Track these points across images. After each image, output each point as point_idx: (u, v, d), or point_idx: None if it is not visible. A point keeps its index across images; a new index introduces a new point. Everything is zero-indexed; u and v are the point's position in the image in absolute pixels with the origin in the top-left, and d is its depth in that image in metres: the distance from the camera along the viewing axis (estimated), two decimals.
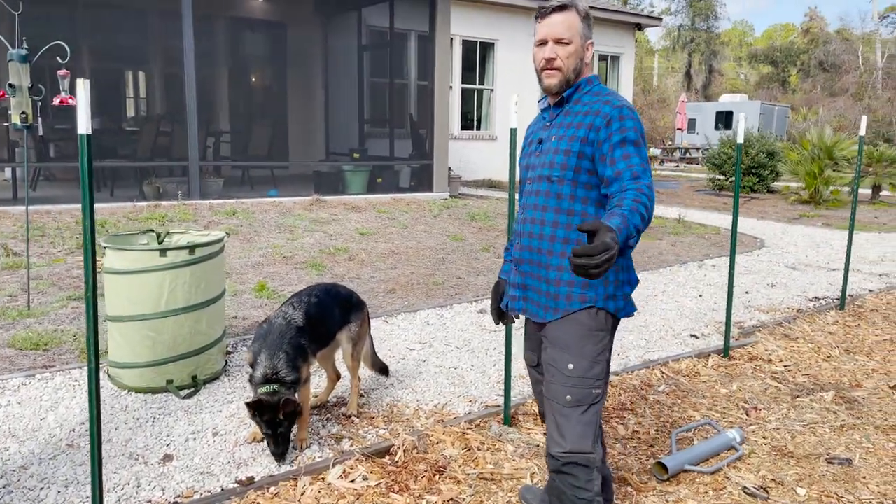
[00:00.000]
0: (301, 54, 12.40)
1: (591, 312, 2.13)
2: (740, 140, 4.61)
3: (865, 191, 14.69)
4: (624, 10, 17.49)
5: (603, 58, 16.45)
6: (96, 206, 7.79)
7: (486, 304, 5.71)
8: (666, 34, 51.49)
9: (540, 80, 2.19)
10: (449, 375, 4.13)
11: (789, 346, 5.00)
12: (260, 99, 12.83)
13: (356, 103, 12.07)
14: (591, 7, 16.27)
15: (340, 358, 3.66)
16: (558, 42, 2.11)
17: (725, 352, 4.74)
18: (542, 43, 2.15)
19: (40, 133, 4.53)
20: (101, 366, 3.85)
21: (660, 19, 17.21)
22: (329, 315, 3.39)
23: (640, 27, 16.48)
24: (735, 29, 61.67)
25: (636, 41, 17.28)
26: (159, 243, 4.11)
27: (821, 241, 9.50)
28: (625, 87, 17.03)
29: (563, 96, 2.17)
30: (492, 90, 14.95)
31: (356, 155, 10.30)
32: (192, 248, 3.69)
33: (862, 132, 5.85)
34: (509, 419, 3.52)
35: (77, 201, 7.95)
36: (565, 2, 2.13)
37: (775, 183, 15.36)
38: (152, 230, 4.12)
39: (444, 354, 4.48)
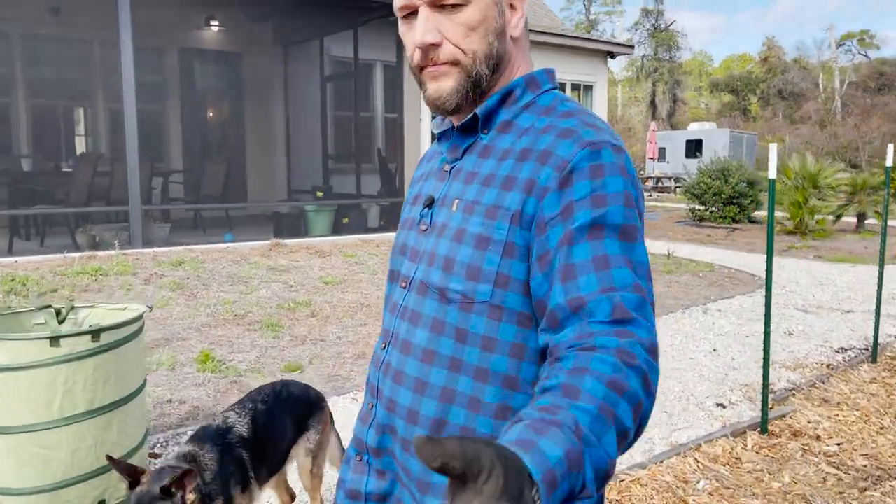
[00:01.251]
0: (259, 86, 11.58)
1: None
2: (773, 175, 3.89)
3: (850, 219, 14.27)
4: (596, 38, 17.08)
5: (576, 87, 15.95)
6: (21, 259, 6.80)
7: None
8: (629, 64, 52.00)
9: (422, 88, 1.06)
10: None
11: (832, 414, 4.25)
12: (214, 134, 11.94)
13: (319, 137, 11.27)
14: (562, 35, 15.85)
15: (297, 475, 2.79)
16: (437, 6, 0.99)
17: (763, 427, 3.96)
18: (407, 13, 1.02)
19: None
20: None
21: (632, 47, 16.84)
22: (280, 430, 2.53)
23: (612, 55, 16.03)
24: (695, 59, 62.73)
25: (608, 69, 16.85)
26: (59, 322, 3.20)
27: (821, 276, 8.88)
28: (600, 115, 16.50)
29: (475, 115, 1.04)
30: None
31: (320, 193, 9.46)
32: (95, 332, 2.79)
33: (889, 162, 5.20)
34: None
35: (0, 255, 6.97)
36: None
37: (756, 212, 14.88)
38: (50, 306, 3.21)
39: None
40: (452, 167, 1.07)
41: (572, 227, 0.89)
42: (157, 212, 8.71)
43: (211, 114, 12.00)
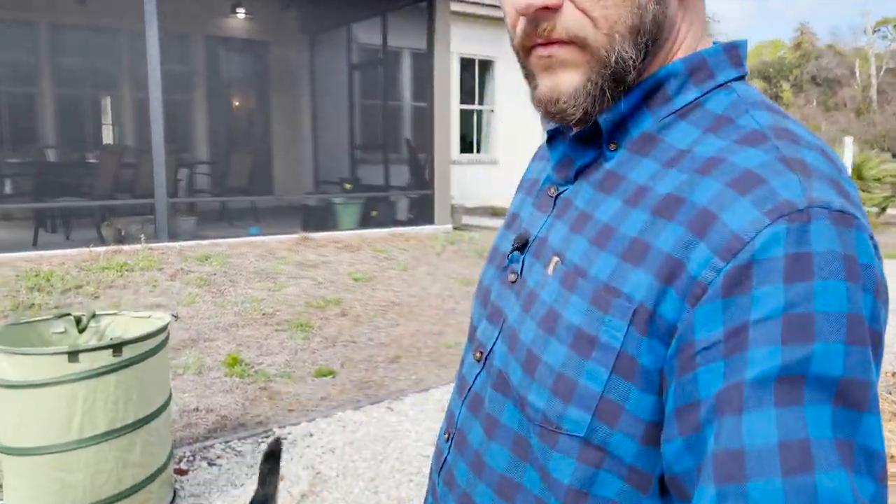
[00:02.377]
0: (285, 75, 11.37)
1: None
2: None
3: (893, 211, 13.74)
4: None
5: None
6: (45, 253, 6.67)
7: None
8: None
9: (530, 84, 0.68)
10: None
11: None
12: (240, 125, 11.76)
13: (347, 128, 11.03)
14: None
15: None
16: None
17: None
18: None
19: None
20: None
21: None
22: None
23: None
24: None
25: None
26: (79, 331, 3.00)
27: None
28: None
29: (596, 125, 0.66)
30: (492, 111, 13.95)
31: (348, 185, 9.22)
32: (116, 346, 2.58)
33: None
34: None
35: (24, 248, 6.84)
36: None
37: None
38: (70, 314, 3.00)
39: None
40: (560, 193, 0.71)
41: (744, 379, 0.50)
42: (182, 204, 8.55)
43: (237, 103, 11.83)
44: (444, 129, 9.22)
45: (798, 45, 52.45)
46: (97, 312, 3.04)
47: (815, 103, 46.45)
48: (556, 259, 0.66)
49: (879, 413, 0.51)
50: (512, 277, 0.73)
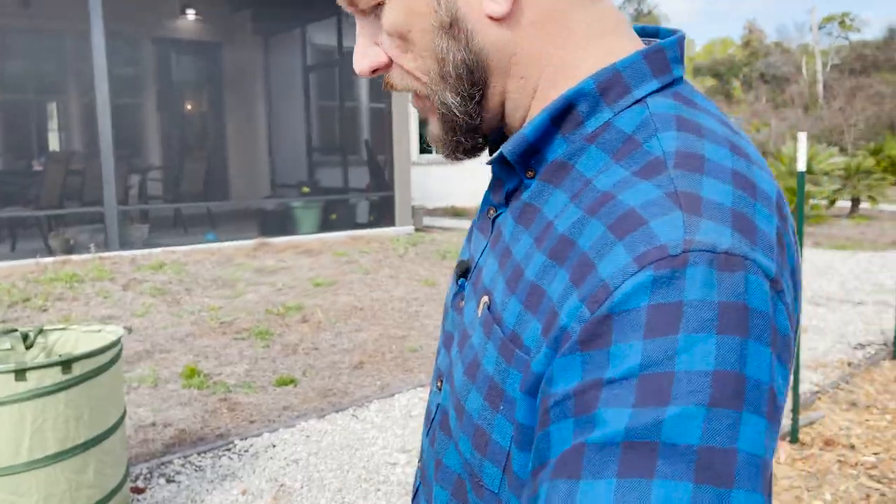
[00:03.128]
0: (239, 77, 11.16)
1: None
2: (802, 167, 3.61)
3: (843, 204, 14.13)
4: None
5: None
6: None
7: None
8: None
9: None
10: None
11: (863, 419, 4.01)
12: (193, 129, 11.50)
13: (304, 130, 10.87)
14: None
15: None
16: (357, 10, 0.61)
17: (794, 436, 3.71)
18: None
19: None
20: None
21: None
22: None
23: None
24: None
25: None
26: (26, 347, 2.86)
27: (823, 265, 8.67)
28: None
29: (501, 155, 0.60)
30: None
31: (306, 189, 9.09)
32: (66, 363, 2.45)
33: None
34: None
35: None
36: None
37: None
38: (16, 329, 2.86)
39: None
40: (496, 216, 0.65)
41: (585, 441, 0.44)
42: (134, 212, 8.31)
43: (189, 107, 11.57)
44: (403, 130, 9.16)
45: (747, 44, 53.77)
46: (45, 328, 2.90)
47: (764, 100, 47.62)
48: (485, 299, 0.60)
49: (759, 491, 0.43)
50: (461, 304, 0.67)
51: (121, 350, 2.75)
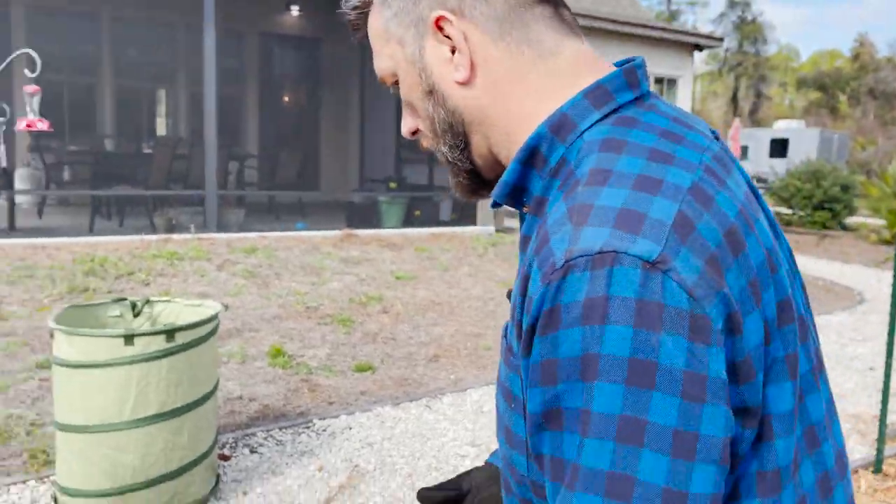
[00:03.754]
0: (336, 73, 11.51)
1: None
2: None
3: None
4: (684, 30, 16.37)
5: (659, 81, 15.35)
6: (100, 239, 6.89)
7: None
8: (710, 57, 50.17)
9: None
10: None
11: None
12: (290, 121, 11.95)
13: (394, 127, 11.11)
14: (646, 26, 15.22)
15: None
16: (387, 85, 0.80)
17: (877, 466, 3.57)
18: None
19: (2, 164, 3.57)
20: (47, 485, 2.85)
21: (721, 40, 16.06)
22: None
23: (699, 48, 15.33)
24: (780, 54, 60.11)
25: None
26: (134, 316, 3.10)
27: None
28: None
29: (498, 196, 0.72)
30: None
31: (394, 184, 9.31)
32: (170, 332, 2.66)
33: None
34: None
35: (81, 233, 7.08)
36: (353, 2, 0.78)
37: (850, 219, 14.02)
38: (126, 299, 3.11)
39: None
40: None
41: (530, 418, 0.61)
42: (231, 197, 8.74)
43: (287, 99, 12.02)
44: None
45: (857, 57, 50.98)
46: (151, 299, 3.15)
47: (872, 117, 45.10)
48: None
49: (650, 445, 0.54)
50: None
51: (218, 324, 2.95)
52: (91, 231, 7.26)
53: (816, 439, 0.66)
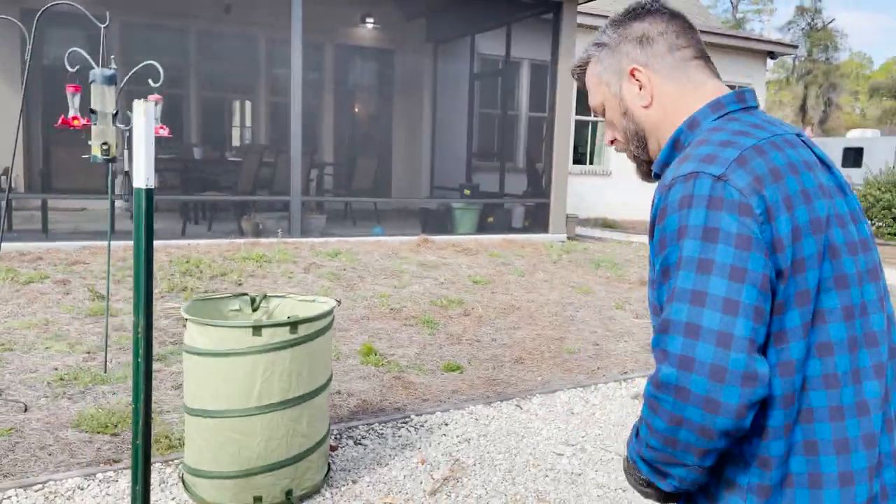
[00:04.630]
0: (409, 83, 11.75)
1: None
2: None
3: None
4: (756, 37, 16.08)
5: (730, 87, 15.09)
6: (192, 242, 7.22)
7: (639, 383, 4.64)
8: (777, 66, 48.84)
9: None
10: (617, 501, 3.09)
11: None
12: (364, 129, 12.25)
13: (465, 135, 11.27)
14: (717, 34, 15.00)
15: None
16: (598, 114, 1.27)
17: None
18: None
19: (125, 168, 3.83)
20: (172, 467, 3.05)
21: (795, 47, 15.70)
22: None
23: (772, 55, 15.04)
24: (851, 61, 58.05)
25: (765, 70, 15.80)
26: (253, 310, 3.29)
27: None
28: None
29: (655, 167, 1.21)
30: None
31: (468, 191, 9.44)
32: (294, 324, 2.83)
33: None
34: None
35: (175, 236, 7.43)
36: (584, 55, 1.25)
37: None
38: (246, 294, 3.30)
39: (605, 465, 3.44)
40: None
41: (654, 283, 1.07)
42: (312, 203, 9.02)
43: (362, 109, 12.32)
44: (565, 140, 9.29)
45: None
46: (267, 294, 3.33)
47: None
48: None
49: (710, 267, 0.93)
50: None
51: (333, 318, 3.11)
52: (183, 234, 7.62)
53: (847, 285, 1.00)
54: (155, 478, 3.06)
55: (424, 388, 4.32)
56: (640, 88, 1.15)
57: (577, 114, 13.68)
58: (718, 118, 1.08)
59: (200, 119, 10.46)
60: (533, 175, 10.04)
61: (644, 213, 13.60)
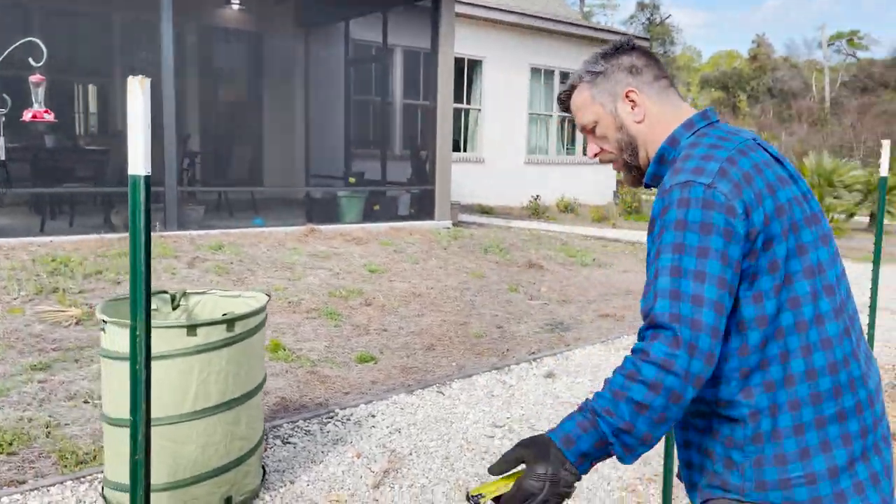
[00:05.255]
0: (280, 67, 11.33)
1: None
2: (884, 172, 3.83)
3: (861, 218, 14.36)
4: (613, 29, 16.93)
5: None
6: (56, 239, 6.59)
7: (548, 362, 4.78)
8: None
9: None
10: None
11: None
12: (235, 116, 11.67)
13: (342, 122, 11.05)
14: (576, 24, 15.68)
15: None
16: (586, 131, 1.49)
17: None
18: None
19: (1, 157, 3.41)
20: (87, 483, 2.76)
21: (647, 39, 16.72)
22: None
23: None
24: (684, 55, 62.84)
25: None
26: (173, 308, 3.05)
27: (854, 277, 8.86)
28: None
29: (646, 178, 1.48)
30: (479, 110, 14.12)
31: (353, 179, 9.27)
32: (230, 321, 2.65)
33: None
34: None
35: (32, 233, 6.74)
36: (569, 82, 1.50)
37: None
38: (165, 291, 3.05)
39: None
40: None
41: (650, 259, 1.28)
42: (188, 193, 8.49)
43: (231, 94, 11.74)
44: (447, 128, 9.35)
45: (754, 57, 53.95)
46: (187, 291, 3.10)
47: (770, 114, 47.81)
48: None
49: (704, 253, 1.18)
50: None
51: (266, 314, 2.95)
52: (42, 231, 6.92)
53: (806, 251, 1.26)
54: (69, 496, 2.77)
55: (342, 381, 4.21)
56: (634, 107, 1.40)
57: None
58: (692, 134, 1.35)
59: (52, 104, 9.50)
60: (417, 163, 10.04)
61: (515, 200, 14.02)
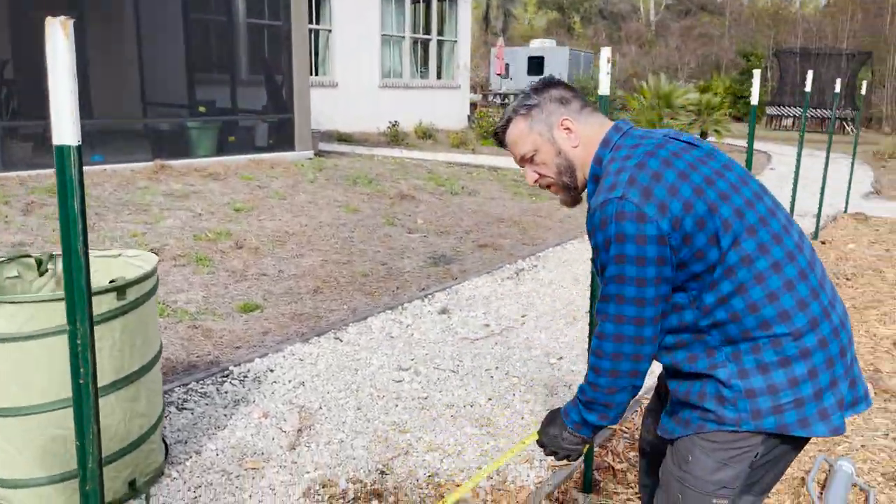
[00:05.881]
0: None
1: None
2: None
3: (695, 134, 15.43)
4: None
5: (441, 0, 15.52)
6: None
7: (439, 297, 4.74)
8: None
9: None
10: (471, 418, 3.16)
11: None
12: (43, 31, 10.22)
13: (182, 44, 10.05)
14: None
15: None
16: (525, 160, 1.63)
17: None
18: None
19: None
20: None
21: None
22: None
23: None
24: None
25: None
26: (39, 274, 2.63)
27: None
28: (463, 31, 16.30)
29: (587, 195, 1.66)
30: (329, 31, 13.42)
31: (202, 108, 8.51)
32: (121, 288, 2.31)
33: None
34: (591, 484, 2.67)
35: None
36: (504, 117, 1.64)
37: None
38: (27, 254, 2.61)
39: (443, 383, 3.49)
40: None
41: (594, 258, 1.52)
42: (9, 128, 7.41)
43: (43, 12, 10.24)
44: (304, 51, 8.79)
45: None
46: (55, 253, 2.68)
47: (603, 35, 49.81)
48: None
49: (624, 263, 1.39)
50: None
51: (158, 277, 2.61)
52: None
53: (755, 230, 1.41)
54: None
55: (230, 335, 3.93)
56: (569, 134, 1.56)
57: None
58: (610, 150, 1.52)
59: None
60: (272, 88, 9.39)
61: (372, 125, 13.67)
